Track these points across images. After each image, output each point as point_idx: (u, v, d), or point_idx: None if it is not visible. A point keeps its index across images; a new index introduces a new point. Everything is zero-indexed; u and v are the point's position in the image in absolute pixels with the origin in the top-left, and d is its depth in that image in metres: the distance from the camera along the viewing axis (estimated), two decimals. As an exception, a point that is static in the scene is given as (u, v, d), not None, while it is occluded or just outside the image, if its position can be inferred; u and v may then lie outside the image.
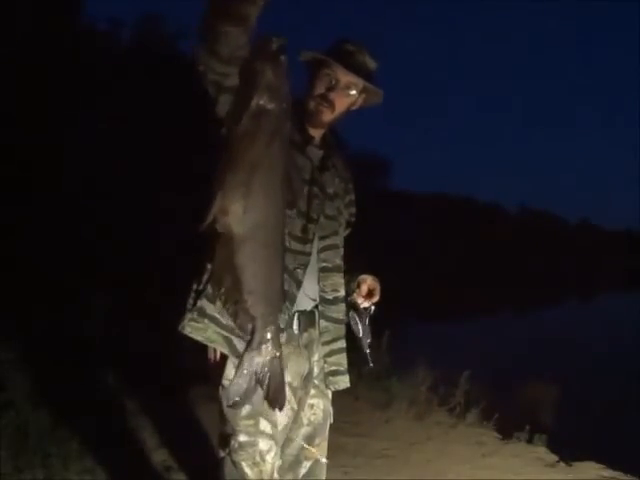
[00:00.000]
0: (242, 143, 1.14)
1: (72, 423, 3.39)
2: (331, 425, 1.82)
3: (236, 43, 1.27)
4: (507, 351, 9.93)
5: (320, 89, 1.63)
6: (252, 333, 1.25)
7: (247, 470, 1.55)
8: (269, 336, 1.27)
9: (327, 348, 1.73)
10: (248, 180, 1.13)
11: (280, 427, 1.62)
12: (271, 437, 1.58)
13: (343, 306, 1.76)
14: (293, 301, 1.61)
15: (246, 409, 1.52)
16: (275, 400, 1.32)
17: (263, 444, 1.56)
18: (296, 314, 1.65)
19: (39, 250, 6.72)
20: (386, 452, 3.73)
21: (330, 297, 1.71)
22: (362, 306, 1.76)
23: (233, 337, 1.51)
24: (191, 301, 1.57)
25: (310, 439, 1.74)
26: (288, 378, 1.60)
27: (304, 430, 1.73)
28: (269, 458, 1.57)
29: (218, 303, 1.46)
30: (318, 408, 1.75)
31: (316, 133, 1.70)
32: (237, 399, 1.29)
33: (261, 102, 1.15)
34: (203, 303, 1.54)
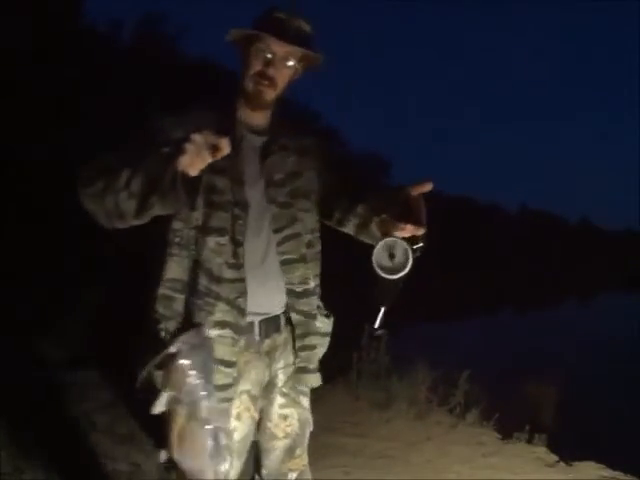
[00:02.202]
0: (166, 424, 1.26)
1: (72, 423, 3.39)
2: (331, 425, 1.80)
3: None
4: (507, 351, 9.94)
5: (257, 67, 1.51)
6: None
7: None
8: None
9: (299, 342, 1.63)
10: (178, 451, 1.27)
11: (237, 437, 1.56)
12: (225, 447, 1.50)
13: (314, 299, 1.65)
14: (240, 332, 1.52)
15: None
16: None
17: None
18: (256, 321, 1.57)
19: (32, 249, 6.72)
20: (386, 452, 3.73)
21: (299, 289, 1.61)
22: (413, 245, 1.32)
23: None
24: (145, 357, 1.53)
25: (291, 451, 1.67)
26: (247, 386, 1.57)
27: (282, 443, 1.66)
28: (222, 468, 1.48)
29: None
30: (292, 418, 1.67)
31: (259, 116, 1.59)
32: None
33: (173, 396, 1.25)
34: None
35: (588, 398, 6.49)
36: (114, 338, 5.08)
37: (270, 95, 1.54)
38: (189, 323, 1.46)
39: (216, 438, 1.26)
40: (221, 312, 1.49)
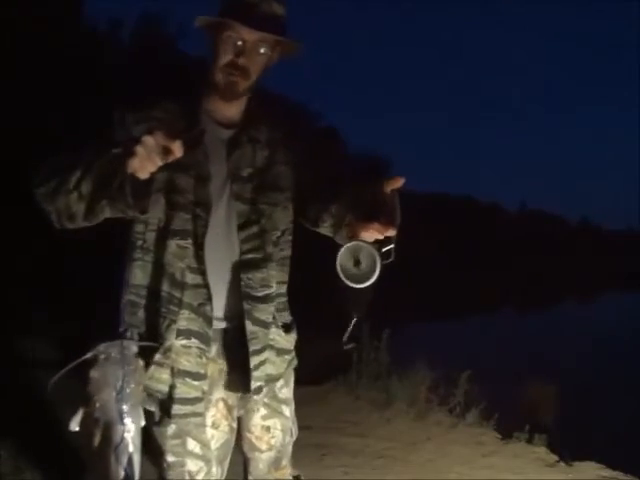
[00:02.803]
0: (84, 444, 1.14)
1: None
2: (331, 425, 1.79)
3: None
4: (507, 351, 9.94)
5: (226, 57, 1.39)
6: None
7: None
8: None
9: (256, 359, 1.47)
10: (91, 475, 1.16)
11: (216, 445, 1.50)
12: (201, 457, 1.47)
13: (272, 306, 1.52)
14: (208, 341, 1.45)
15: (172, 428, 1.43)
16: None
17: (192, 465, 1.45)
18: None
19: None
20: (386, 452, 3.73)
21: (259, 294, 1.48)
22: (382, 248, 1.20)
23: (148, 393, 1.40)
24: None
25: (277, 463, 1.62)
26: (222, 394, 1.51)
27: (266, 455, 1.60)
28: (199, 478, 1.46)
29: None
30: (276, 429, 1.60)
31: (230, 108, 1.48)
32: None
33: (88, 413, 1.13)
34: None
35: (588, 398, 6.48)
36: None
37: (242, 85, 1.43)
38: (151, 332, 1.39)
39: (130, 467, 1.11)
40: (185, 320, 1.41)
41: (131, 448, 1.10)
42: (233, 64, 1.40)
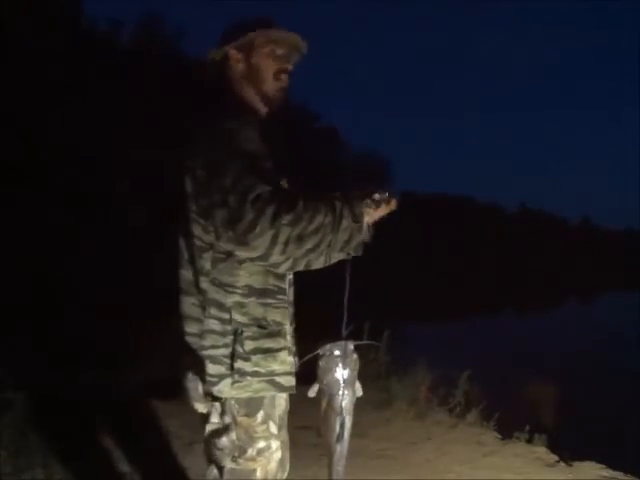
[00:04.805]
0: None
1: (72, 423, 3.39)
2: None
3: None
4: (507, 351, 9.95)
5: (277, 65, 1.58)
6: None
7: (258, 474, 1.55)
8: None
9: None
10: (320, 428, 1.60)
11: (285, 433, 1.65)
12: (277, 437, 1.59)
13: (292, 290, 1.73)
14: (291, 322, 1.64)
15: (261, 414, 1.54)
16: None
17: (274, 445, 1.57)
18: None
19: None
20: (386, 452, 3.73)
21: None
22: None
23: (274, 377, 1.55)
24: (227, 366, 1.52)
25: None
26: None
27: None
28: (275, 457, 1.58)
29: (254, 358, 1.51)
30: None
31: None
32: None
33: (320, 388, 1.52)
34: (239, 364, 1.51)
35: (588, 398, 6.49)
36: (115, 339, 5.09)
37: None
38: (269, 323, 1.55)
39: (342, 426, 1.59)
40: (288, 307, 1.60)
41: (345, 413, 1.58)
42: (284, 73, 1.59)
